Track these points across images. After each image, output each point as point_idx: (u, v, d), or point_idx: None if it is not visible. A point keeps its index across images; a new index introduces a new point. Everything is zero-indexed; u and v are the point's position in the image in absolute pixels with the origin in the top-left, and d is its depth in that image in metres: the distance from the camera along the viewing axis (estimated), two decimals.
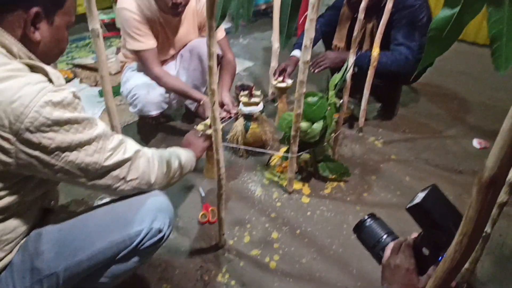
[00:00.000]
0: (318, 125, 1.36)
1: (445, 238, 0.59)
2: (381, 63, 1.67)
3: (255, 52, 3.15)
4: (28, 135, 0.65)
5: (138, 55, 1.70)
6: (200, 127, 1.51)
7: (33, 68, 0.72)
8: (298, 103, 1.25)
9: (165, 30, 1.75)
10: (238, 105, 1.73)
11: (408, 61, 1.70)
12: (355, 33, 1.41)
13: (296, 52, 2.00)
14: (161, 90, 1.74)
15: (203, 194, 1.49)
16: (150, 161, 0.87)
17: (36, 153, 0.67)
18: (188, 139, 1.28)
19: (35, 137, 0.66)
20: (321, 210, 1.44)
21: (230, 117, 1.69)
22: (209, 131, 1.49)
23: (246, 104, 1.64)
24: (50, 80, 0.70)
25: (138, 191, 0.87)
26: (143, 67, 1.75)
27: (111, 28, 3.33)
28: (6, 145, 0.65)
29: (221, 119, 1.58)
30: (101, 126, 0.77)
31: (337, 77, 1.42)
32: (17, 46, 0.71)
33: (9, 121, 0.63)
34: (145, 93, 1.70)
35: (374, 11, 1.70)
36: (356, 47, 1.46)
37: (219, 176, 1.08)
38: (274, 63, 2.14)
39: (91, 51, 3.02)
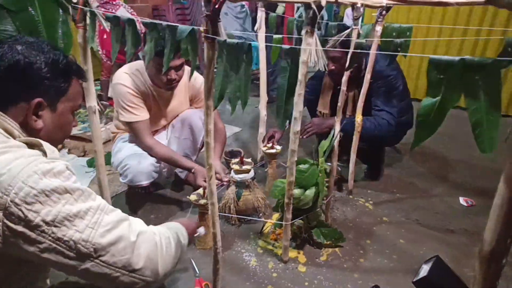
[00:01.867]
0: (310, 192, 1.38)
1: None
2: (365, 128, 1.76)
3: (242, 117, 3.27)
4: (13, 209, 0.62)
5: (131, 126, 1.74)
6: (192, 197, 1.51)
7: (30, 145, 0.72)
8: (290, 170, 1.27)
9: (157, 103, 1.82)
10: (229, 172, 1.75)
11: (390, 125, 1.80)
12: (339, 103, 1.51)
13: None
14: (152, 160, 1.76)
15: (196, 269, 1.43)
16: (158, 245, 0.76)
17: (21, 229, 0.63)
18: (179, 220, 1.16)
19: (20, 211, 0.62)
20: (318, 280, 1.39)
21: (222, 185, 1.70)
22: (202, 201, 1.48)
23: (238, 172, 1.66)
24: (45, 154, 0.71)
25: (141, 286, 0.73)
26: (135, 138, 1.78)
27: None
28: None
29: None
30: (99, 201, 0.71)
31: (325, 143, 1.48)
32: (18, 131, 0.74)
33: None
34: (136, 163, 1.71)
35: (355, 81, 1.84)
36: (340, 115, 1.54)
37: (216, 250, 1.05)
38: (262, 130, 2.22)
39: (79, 121, 3.06)
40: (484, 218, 1.72)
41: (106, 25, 1.16)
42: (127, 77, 1.69)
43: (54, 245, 0.64)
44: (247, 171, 1.67)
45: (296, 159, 1.26)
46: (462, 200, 1.96)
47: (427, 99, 0.52)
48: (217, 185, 1.66)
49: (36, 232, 0.63)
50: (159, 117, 1.88)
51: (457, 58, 0.48)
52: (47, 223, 0.63)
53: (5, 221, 0.62)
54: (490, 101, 0.45)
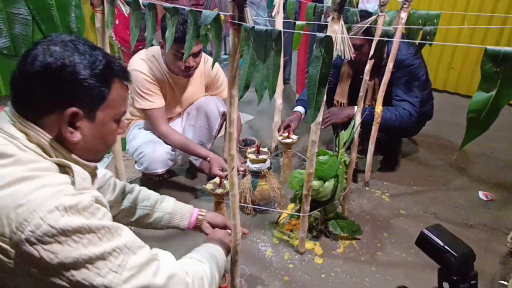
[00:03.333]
0: (329, 183, 1.35)
1: (454, 260, 0.58)
2: (385, 119, 1.71)
3: (255, 105, 3.23)
4: (27, 248, 0.55)
5: (146, 113, 1.72)
6: (209, 186, 1.50)
7: (63, 167, 0.65)
8: (310, 162, 1.25)
9: (173, 90, 1.79)
10: (245, 161, 1.73)
11: (412, 116, 1.75)
12: (361, 93, 1.46)
13: (299, 108, 2.05)
14: (168, 147, 1.75)
15: None
16: (191, 284, 0.71)
17: (35, 271, 0.56)
18: (216, 235, 1.08)
19: (36, 250, 0.55)
20: (335, 272, 1.38)
21: (237, 174, 1.68)
22: (218, 190, 1.47)
23: (254, 161, 1.63)
24: (73, 183, 0.63)
25: None
26: (151, 125, 1.76)
27: None
28: (4, 258, 0.56)
29: (225, 177, 1.57)
30: (127, 236, 0.63)
31: (345, 134, 1.44)
32: (51, 145, 0.66)
33: (10, 230, 0.55)
34: (151, 151, 1.70)
35: (375, 70, 1.78)
36: (362, 105, 1.50)
37: (236, 242, 1.04)
38: (277, 118, 2.19)
39: None
40: (505, 213, 1.67)
41: (125, 10, 1.12)
42: (143, 64, 1.67)
43: None
44: (264, 161, 1.64)
45: (316, 150, 1.23)
46: (481, 194, 1.92)
47: (479, 93, 0.48)
48: None
49: (52, 274, 0.57)
50: (174, 104, 1.86)
51: None
52: (65, 266, 0.57)
53: (17, 259, 0.56)
54: None
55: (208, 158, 1.70)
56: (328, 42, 0.69)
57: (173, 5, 0.92)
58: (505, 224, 1.66)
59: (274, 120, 2.19)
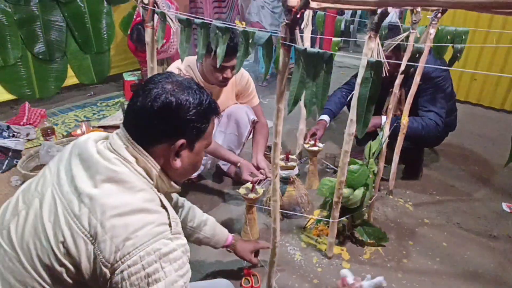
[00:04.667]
0: (359, 192, 1.41)
1: None
2: (412, 128, 1.77)
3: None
4: (118, 278, 0.64)
5: None
6: (242, 190, 1.58)
7: (161, 203, 0.74)
8: (341, 171, 1.31)
9: None
10: None
11: (438, 126, 1.81)
12: (390, 106, 1.52)
13: (324, 117, 2.12)
14: None
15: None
16: None
17: None
18: None
19: (121, 284, 0.64)
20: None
21: (264, 180, 1.75)
22: (251, 195, 1.55)
23: (283, 168, 1.70)
24: (170, 224, 0.71)
25: None
26: None
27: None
28: (101, 279, 0.65)
29: (257, 182, 1.64)
30: None
31: (374, 144, 1.50)
32: (157, 172, 0.75)
33: (114, 258, 0.64)
34: None
35: (402, 81, 1.83)
36: (390, 117, 1.55)
37: (275, 244, 1.11)
38: (302, 126, 2.25)
39: (120, 109, 3.18)
40: None
41: (173, 26, 1.22)
42: (180, 73, 1.76)
43: None
44: (292, 168, 1.71)
45: (348, 159, 1.30)
46: (505, 206, 1.94)
47: None
48: (261, 180, 1.73)
49: None
50: None
51: None
52: None
53: (108, 285, 0.65)
54: None
55: (239, 164, 1.78)
56: (378, 66, 0.75)
57: (225, 24, 1.00)
58: None
59: (299, 128, 2.26)
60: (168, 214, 0.72)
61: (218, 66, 1.11)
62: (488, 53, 3.05)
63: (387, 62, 1.77)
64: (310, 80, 0.83)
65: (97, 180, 0.69)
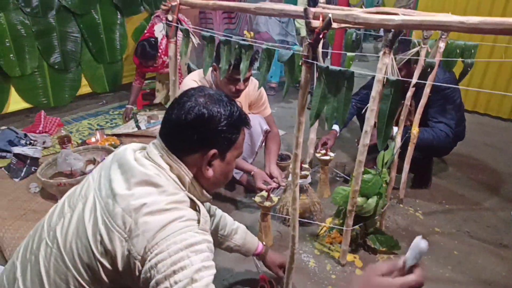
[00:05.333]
0: (373, 200, 1.45)
1: None
2: (423, 139, 1.82)
3: (284, 120, 3.36)
4: (147, 268, 0.68)
5: None
6: (257, 199, 1.62)
7: (193, 203, 0.79)
8: (356, 180, 1.36)
9: None
10: (286, 176, 1.85)
11: (448, 137, 1.86)
12: (402, 117, 1.57)
13: (334, 126, 2.17)
14: None
15: (258, 265, 1.54)
16: None
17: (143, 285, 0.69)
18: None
19: (150, 273, 0.68)
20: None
21: (278, 188, 1.80)
22: (266, 203, 1.59)
23: None
24: (199, 221, 0.76)
25: None
26: None
27: (148, 97, 3.55)
28: (135, 272, 0.69)
29: (271, 190, 1.69)
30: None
31: (386, 154, 1.55)
32: (190, 179, 0.80)
33: (145, 249, 0.68)
34: None
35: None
36: (402, 128, 1.60)
37: (293, 251, 1.15)
38: (312, 135, 2.30)
39: (133, 118, 3.24)
40: None
41: (195, 41, 1.28)
42: (195, 84, 1.82)
43: None
44: (305, 177, 1.76)
45: (362, 169, 1.34)
46: None
47: None
48: (275, 188, 1.78)
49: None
50: None
51: None
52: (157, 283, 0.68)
53: (140, 276, 0.69)
54: None
55: (252, 173, 1.83)
56: (397, 84, 0.81)
57: (249, 42, 1.06)
58: None
59: (310, 137, 2.30)
60: (199, 214, 0.76)
61: (242, 81, 1.17)
62: (494, 64, 3.10)
63: (400, 75, 1.82)
64: (332, 95, 0.88)
65: (132, 182, 0.74)
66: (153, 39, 3.01)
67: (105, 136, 2.75)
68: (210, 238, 0.77)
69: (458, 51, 1.55)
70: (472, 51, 1.52)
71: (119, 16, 3.55)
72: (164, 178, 0.77)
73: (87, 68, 3.49)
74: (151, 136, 2.79)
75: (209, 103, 0.80)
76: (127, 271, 0.71)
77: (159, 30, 3.11)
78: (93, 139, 2.69)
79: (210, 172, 0.82)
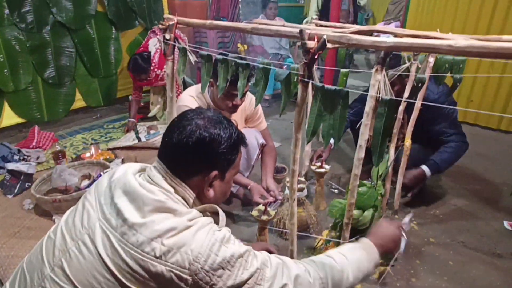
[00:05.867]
0: (368, 213, 1.47)
1: None
2: (445, 161, 1.94)
3: (279, 132, 3.39)
4: (202, 275, 0.72)
5: None
6: (254, 213, 1.63)
7: (204, 212, 0.83)
8: (351, 193, 1.38)
9: None
10: (282, 190, 1.86)
11: (465, 144, 1.97)
12: (395, 130, 1.60)
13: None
14: None
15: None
16: (311, 285, 0.84)
17: None
18: (381, 231, 1.08)
19: (208, 276, 0.72)
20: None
21: (274, 202, 1.81)
22: (263, 217, 1.60)
23: None
24: (216, 222, 0.80)
25: None
26: None
27: (142, 110, 3.55)
28: (183, 285, 0.72)
29: (268, 204, 1.70)
30: (259, 255, 0.80)
31: (380, 167, 1.57)
32: (193, 200, 0.83)
33: (189, 262, 0.71)
34: None
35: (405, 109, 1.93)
36: (395, 141, 1.64)
37: None
38: (307, 148, 2.33)
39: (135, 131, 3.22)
40: None
41: (192, 59, 1.31)
42: (192, 100, 1.85)
43: None
44: (301, 189, 1.77)
45: (358, 183, 1.36)
46: (506, 224, 2.00)
47: None
48: (271, 202, 1.79)
49: None
50: None
51: None
52: (226, 287, 0.74)
53: (193, 285, 0.72)
54: None
55: (249, 187, 1.84)
56: (390, 104, 0.84)
57: (242, 61, 1.09)
58: None
59: (305, 149, 2.33)
60: (218, 212, 0.81)
61: (240, 98, 1.19)
62: (482, 79, 3.19)
63: (392, 90, 1.87)
64: (327, 113, 0.91)
65: (145, 211, 0.75)
66: (146, 53, 3.05)
67: (100, 151, 2.74)
68: (229, 230, 0.81)
69: (447, 65, 1.60)
70: (461, 65, 1.57)
71: (113, 31, 3.58)
72: (173, 201, 0.78)
73: (82, 82, 3.50)
74: (151, 147, 2.79)
75: (209, 126, 0.82)
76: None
77: (153, 44, 3.15)
78: (87, 154, 2.68)
79: (211, 193, 0.84)
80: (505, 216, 2.07)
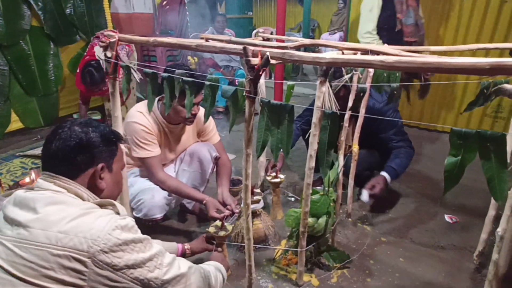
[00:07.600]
0: (322, 220, 1.52)
1: None
2: (403, 165, 2.09)
3: (234, 144, 3.39)
4: (101, 257, 0.78)
5: (144, 161, 1.82)
6: (211, 229, 1.61)
7: (102, 206, 0.88)
8: (305, 202, 1.41)
9: (168, 138, 1.91)
10: (239, 203, 1.85)
11: (413, 150, 2.13)
12: (342, 138, 1.68)
13: None
14: (165, 193, 1.84)
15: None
16: (203, 276, 0.99)
17: (106, 272, 0.79)
18: (215, 258, 1.38)
19: (108, 257, 0.78)
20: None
21: (231, 215, 1.80)
22: (221, 233, 1.58)
23: None
24: (117, 212, 0.87)
25: None
26: (148, 173, 1.85)
27: None
28: (82, 268, 0.77)
29: (224, 218, 1.68)
30: (156, 245, 0.90)
31: (330, 174, 1.63)
32: (87, 194, 0.89)
33: (88, 245, 0.77)
34: (149, 197, 1.78)
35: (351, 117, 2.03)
36: (342, 148, 1.71)
37: (250, 280, 1.15)
38: (262, 158, 2.35)
39: None
40: (468, 234, 1.94)
41: (137, 76, 1.27)
42: (142, 116, 1.79)
43: (131, 283, 0.83)
44: (258, 201, 1.78)
45: (310, 191, 1.40)
46: (447, 218, 2.17)
47: (450, 158, 0.68)
48: (228, 215, 1.77)
49: (119, 274, 0.81)
50: (169, 151, 1.97)
51: (473, 131, 0.64)
52: (128, 267, 0.82)
53: (93, 267, 0.77)
54: (499, 162, 0.61)
55: (204, 201, 1.81)
56: (333, 117, 0.87)
57: (188, 78, 1.08)
58: (470, 243, 1.90)
59: (260, 160, 2.35)
60: (114, 205, 0.88)
61: (187, 116, 1.18)
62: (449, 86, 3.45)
63: (338, 96, 1.95)
64: (275, 127, 0.93)
65: (38, 207, 0.80)
66: (95, 62, 2.84)
67: (40, 175, 2.54)
68: (131, 218, 0.88)
69: (385, 75, 1.71)
70: (397, 74, 1.69)
71: (52, 46, 3.37)
72: (65, 197, 0.84)
73: (17, 102, 3.24)
74: None
75: (84, 128, 0.92)
76: (73, 274, 0.77)
77: (100, 52, 2.99)
78: (27, 179, 2.47)
79: (103, 184, 0.93)
80: (445, 210, 2.24)
